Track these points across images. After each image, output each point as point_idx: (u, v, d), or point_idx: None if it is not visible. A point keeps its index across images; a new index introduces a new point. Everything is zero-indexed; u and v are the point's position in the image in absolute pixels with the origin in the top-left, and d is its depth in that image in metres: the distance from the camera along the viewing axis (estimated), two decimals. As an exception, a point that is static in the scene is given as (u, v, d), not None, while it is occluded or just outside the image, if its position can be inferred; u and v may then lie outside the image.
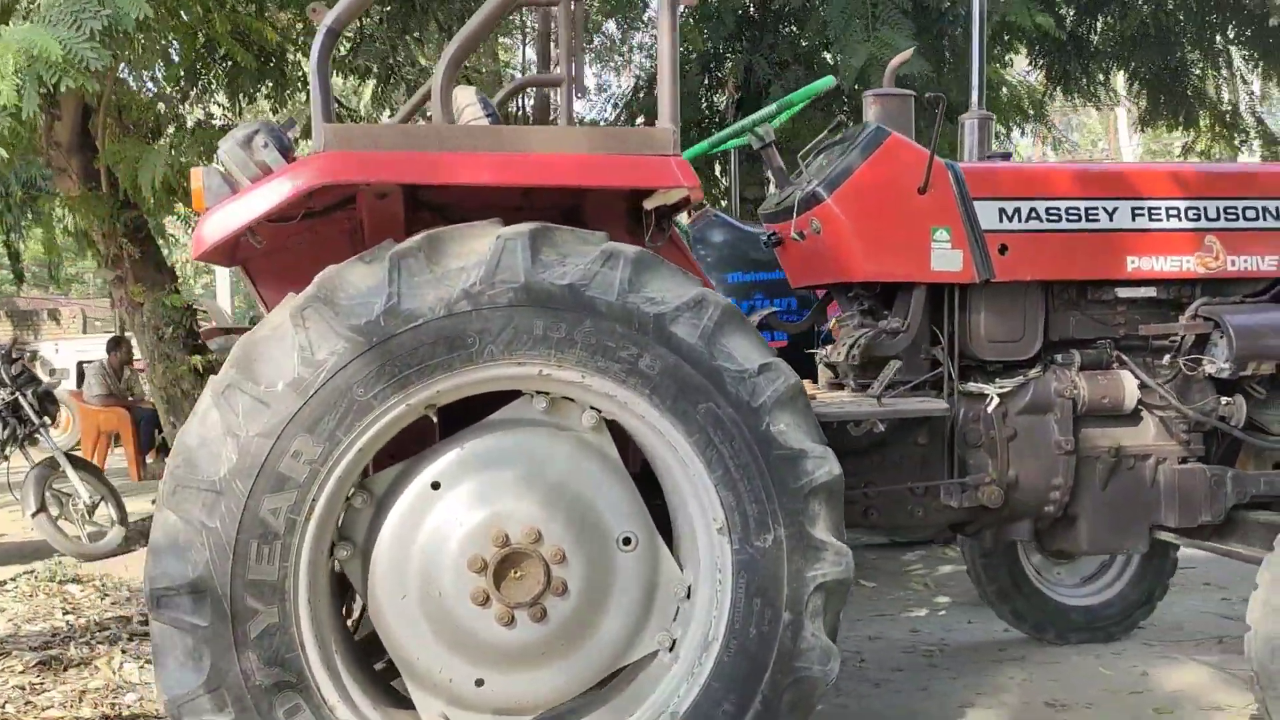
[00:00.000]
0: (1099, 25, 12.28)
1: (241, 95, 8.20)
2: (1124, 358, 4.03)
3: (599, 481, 3.00)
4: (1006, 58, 12.62)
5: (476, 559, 2.87)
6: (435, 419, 2.93)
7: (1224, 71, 12.56)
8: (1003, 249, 3.81)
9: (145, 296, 8.80)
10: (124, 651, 4.99)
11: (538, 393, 2.98)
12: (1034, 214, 3.83)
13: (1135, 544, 4.11)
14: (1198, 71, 12.67)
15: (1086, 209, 3.86)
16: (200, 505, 2.70)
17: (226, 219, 2.89)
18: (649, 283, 2.89)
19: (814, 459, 2.95)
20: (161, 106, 8.90)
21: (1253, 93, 12.82)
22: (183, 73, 8.03)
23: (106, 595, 6.32)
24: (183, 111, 9.00)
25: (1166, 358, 4.08)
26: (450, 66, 2.95)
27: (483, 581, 2.88)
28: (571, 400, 3.01)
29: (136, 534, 8.52)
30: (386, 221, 3.16)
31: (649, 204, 3.16)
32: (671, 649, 3.04)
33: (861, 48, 8.83)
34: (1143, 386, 3.98)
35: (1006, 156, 4.56)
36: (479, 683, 2.95)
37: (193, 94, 8.29)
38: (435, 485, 2.93)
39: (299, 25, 8.65)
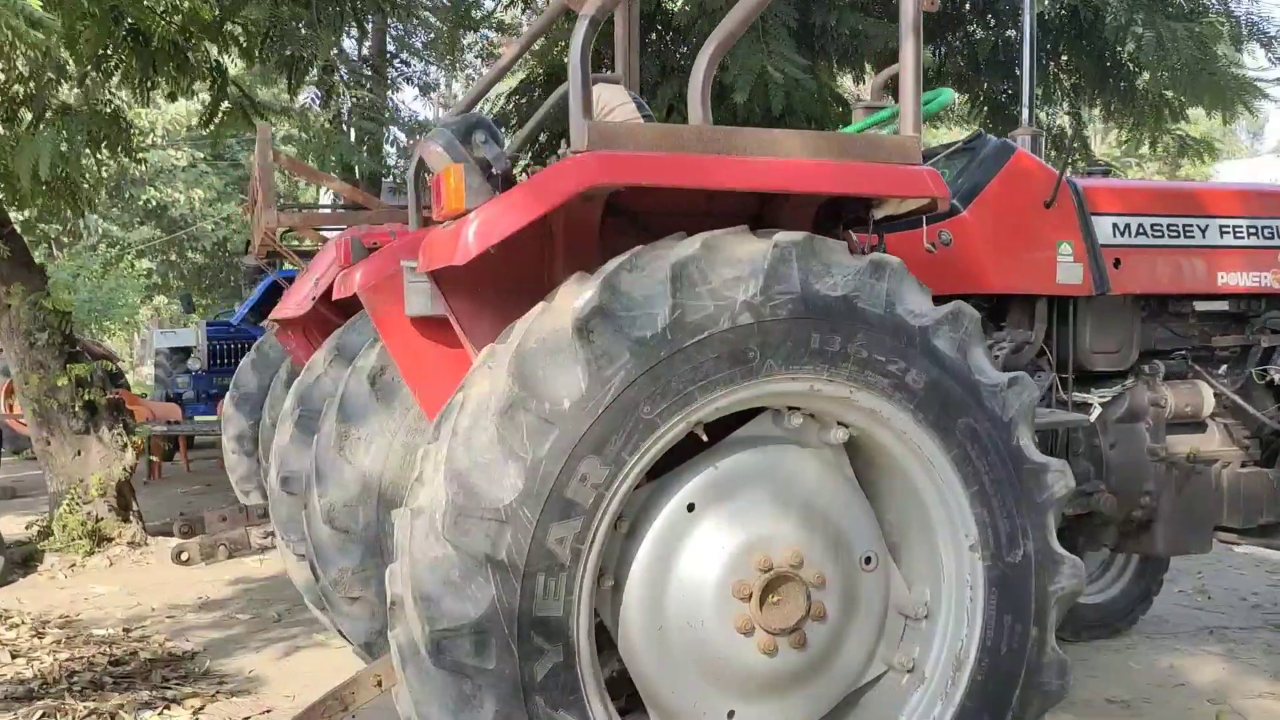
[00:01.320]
0: (943, 51, 12.89)
1: (148, 81, 7.53)
2: (1197, 368, 4.25)
3: (844, 499, 2.91)
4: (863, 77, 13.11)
5: (742, 586, 2.72)
6: (705, 438, 2.76)
7: (1056, 95, 13.41)
8: (1116, 263, 3.94)
9: (17, 299, 7.95)
10: (146, 704, 4.47)
11: (789, 408, 2.85)
12: (1142, 229, 3.98)
13: (1202, 545, 4.32)
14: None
15: (1184, 225, 4.04)
16: (484, 536, 2.44)
17: (499, 222, 2.62)
18: (906, 295, 2.82)
19: (1054, 472, 2.94)
20: (19, 89, 8.08)
21: (1079, 116, 13.73)
22: (83, 52, 7.30)
23: (41, 635, 5.65)
24: (46, 97, 8.19)
25: (1224, 367, 4.32)
26: (710, 64, 2.78)
27: (748, 610, 2.72)
28: (812, 416, 2.90)
29: (11, 563, 7.69)
30: (583, 225, 2.96)
31: (880, 213, 3.09)
32: (912, 670, 2.96)
33: (752, 61, 8.99)
34: (1215, 395, 4.20)
35: (1106, 173, 4.73)
36: (730, 715, 2.79)
37: (90, 78, 7.55)
38: (690, 508, 2.76)
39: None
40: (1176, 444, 4.17)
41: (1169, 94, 12.08)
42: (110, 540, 8.08)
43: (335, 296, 4.36)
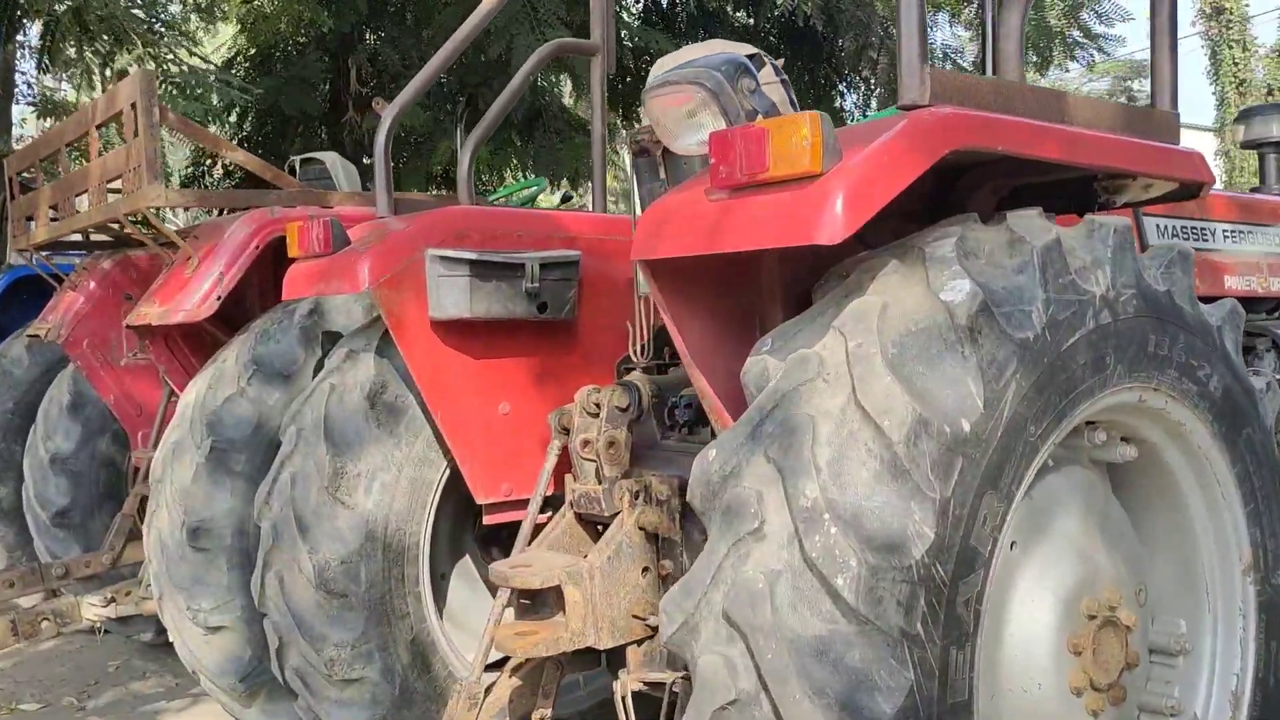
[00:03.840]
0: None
1: None
2: None
3: (1121, 527, 2.53)
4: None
5: (1077, 639, 2.27)
6: (1052, 462, 2.27)
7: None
8: (1162, 265, 3.84)
9: None
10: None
11: (1087, 423, 2.43)
12: (1176, 232, 3.91)
13: None
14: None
15: (1204, 229, 4.02)
16: (895, 604, 1.84)
17: (874, 188, 1.97)
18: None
19: (1294, 484, 2.73)
20: None
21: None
22: None
23: None
24: None
25: None
26: (1022, 16, 2.29)
27: (1081, 666, 2.28)
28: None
29: None
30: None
31: (1123, 198, 2.73)
32: (1177, 714, 2.62)
33: (523, 40, 8.61)
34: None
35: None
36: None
37: None
38: (1012, 545, 2.27)
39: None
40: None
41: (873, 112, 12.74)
42: None
43: (290, 296, 3.43)
